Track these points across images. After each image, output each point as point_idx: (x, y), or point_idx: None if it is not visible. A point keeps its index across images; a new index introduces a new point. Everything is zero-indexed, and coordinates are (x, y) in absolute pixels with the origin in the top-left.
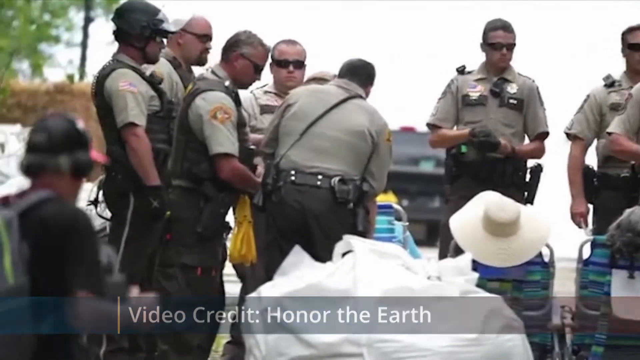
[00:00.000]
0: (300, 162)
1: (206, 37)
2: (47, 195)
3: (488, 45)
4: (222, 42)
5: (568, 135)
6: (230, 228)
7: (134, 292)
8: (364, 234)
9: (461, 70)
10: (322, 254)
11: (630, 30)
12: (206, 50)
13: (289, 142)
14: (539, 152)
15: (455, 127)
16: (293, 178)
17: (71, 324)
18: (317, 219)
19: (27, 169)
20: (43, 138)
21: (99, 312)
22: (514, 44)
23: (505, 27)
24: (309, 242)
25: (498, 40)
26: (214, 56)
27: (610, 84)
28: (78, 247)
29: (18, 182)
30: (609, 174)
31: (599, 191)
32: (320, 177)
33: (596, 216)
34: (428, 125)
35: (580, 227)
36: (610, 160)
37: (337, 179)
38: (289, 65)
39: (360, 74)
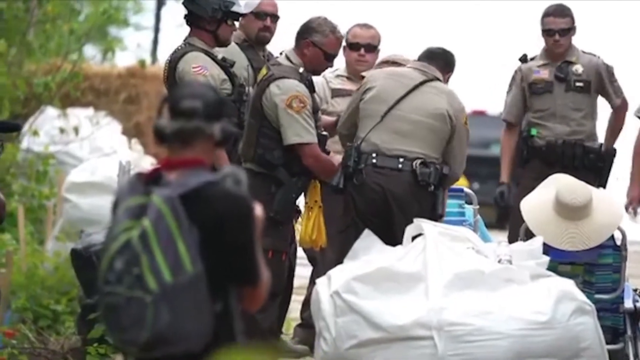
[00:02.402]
0: (381, 144)
1: (265, 15)
2: (211, 178)
3: (543, 31)
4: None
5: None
6: (300, 212)
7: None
8: (443, 217)
9: (523, 59)
10: (401, 237)
11: None
12: (266, 28)
13: (370, 124)
14: (620, 123)
15: (526, 115)
16: (374, 161)
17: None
18: (398, 201)
19: (179, 134)
20: (199, 104)
21: (260, 302)
22: (569, 29)
23: (558, 12)
24: (389, 224)
25: (550, 27)
26: (288, 40)
27: None
28: (244, 234)
29: (91, 166)
30: None
31: None
32: (401, 159)
33: None
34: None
35: (628, 212)
36: None
37: (418, 161)
38: (361, 48)
39: (438, 59)
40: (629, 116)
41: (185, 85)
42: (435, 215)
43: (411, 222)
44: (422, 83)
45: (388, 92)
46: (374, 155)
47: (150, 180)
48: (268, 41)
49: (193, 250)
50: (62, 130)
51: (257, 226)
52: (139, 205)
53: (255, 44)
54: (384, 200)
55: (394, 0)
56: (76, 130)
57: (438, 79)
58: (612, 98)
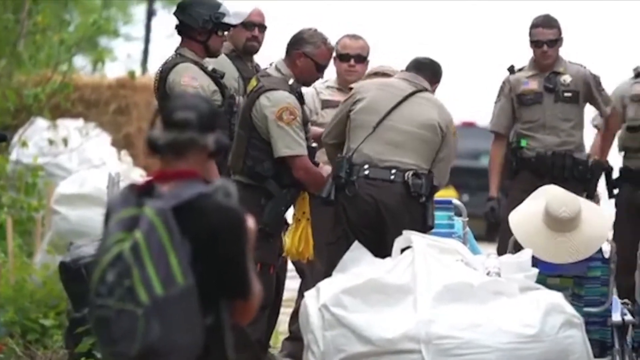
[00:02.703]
0: (373, 155)
1: (252, 25)
2: (204, 190)
3: (531, 42)
4: (287, 37)
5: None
6: (287, 224)
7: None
8: (432, 228)
9: (511, 70)
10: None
11: None
12: (254, 38)
13: (362, 135)
14: (612, 132)
15: (515, 127)
16: (367, 172)
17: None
18: (390, 213)
19: (172, 145)
20: (193, 116)
21: (251, 315)
22: (557, 40)
23: (545, 23)
24: (381, 236)
25: (538, 38)
26: (277, 51)
27: (637, 74)
28: (237, 247)
29: (80, 177)
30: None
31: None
32: (394, 171)
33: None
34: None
35: None
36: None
37: (410, 172)
38: (351, 59)
39: (426, 69)
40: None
41: (178, 97)
42: (425, 226)
43: (402, 234)
44: (412, 94)
45: (379, 102)
46: (366, 166)
47: (143, 191)
48: (256, 51)
49: (185, 263)
50: (51, 142)
51: (249, 239)
52: (131, 217)
53: (243, 54)
54: (376, 212)
55: (385, 11)
56: (65, 141)
57: (427, 90)
58: (602, 107)
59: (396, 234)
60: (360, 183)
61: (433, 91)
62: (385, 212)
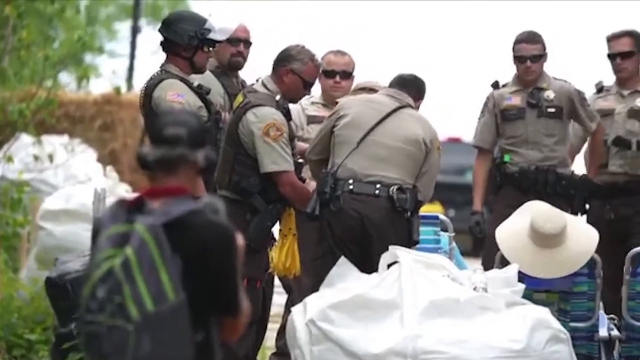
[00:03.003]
0: (358, 170)
1: (238, 41)
2: (194, 207)
3: (515, 58)
4: (270, 53)
5: None
6: (274, 240)
7: None
8: (417, 243)
9: (495, 85)
10: (378, 263)
11: (608, 39)
12: (239, 54)
13: (346, 151)
14: (598, 147)
15: (498, 142)
16: (351, 187)
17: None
18: (375, 227)
19: (162, 161)
20: (183, 132)
21: (239, 332)
22: (541, 55)
23: (529, 39)
24: (366, 251)
25: (522, 53)
26: (264, 68)
27: (599, 89)
28: (227, 264)
29: (66, 193)
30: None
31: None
32: (378, 185)
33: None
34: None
35: None
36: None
37: (395, 187)
38: (336, 75)
39: (410, 86)
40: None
41: (168, 113)
42: (410, 241)
43: (388, 248)
44: (396, 109)
45: (363, 118)
46: (350, 181)
47: (132, 208)
48: (241, 67)
49: (176, 279)
50: (36, 158)
51: (239, 256)
52: (122, 234)
53: (228, 69)
54: (361, 227)
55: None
56: (51, 157)
57: (410, 106)
58: (587, 123)
59: (381, 249)
60: (345, 198)
61: (417, 107)
62: (370, 227)
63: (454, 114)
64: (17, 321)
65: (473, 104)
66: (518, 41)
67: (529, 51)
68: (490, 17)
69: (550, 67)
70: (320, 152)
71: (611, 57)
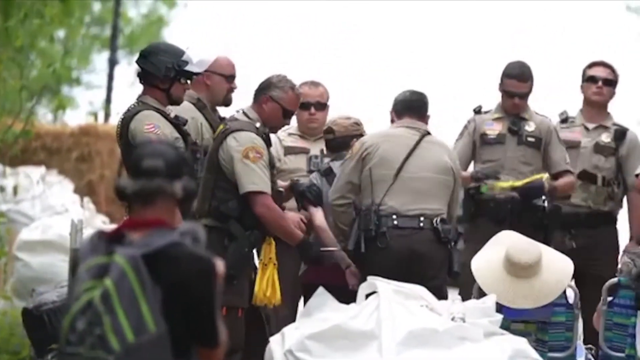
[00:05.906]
0: (400, 207)
1: (232, 78)
2: (174, 238)
3: (503, 91)
4: (247, 83)
5: None
6: (255, 269)
7: None
8: (458, 275)
9: (478, 111)
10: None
11: (591, 65)
12: (232, 90)
13: (383, 188)
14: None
15: (472, 166)
16: (395, 222)
17: None
18: (420, 260)
19: (140, 193)
20: (160, 163)
21: None
22: (528, 93)
23: (520, 77)
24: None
25: (511, 90)
26: (243, 97)
27: (564, 119)
28: (206, 296)
29: (42, 224)
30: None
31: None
32: (422, 218)
33: None
34: None
35: None
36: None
37: (438, 218)
38: (311, 107)
39: (417, 107)
40: None
41: (145, 144)
42: (451, 272)
43: (434, 279)
44: (419, 141)
45: (391, 154)
46: (394, 217)
47: (112, 239)
48: (231, 102)
49: (156, 310)
50: (14, 189)
51: (218, 287)
52: (101, 265)
53: (223, 104)
54: (408, 260)
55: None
56: (15, 190)
57: (429, 133)
58: (562, 161)
59: (426, 281)
60: (391, 234)
61: (426, 122)
62: (416, 260)
63: (444, 118)
64: None
65: (468, 108)
66: (509, 76)
67: (519, 89)
68: (485, 17)
69: (551, 68)
70: (348, 192)
71: (592, 79)
